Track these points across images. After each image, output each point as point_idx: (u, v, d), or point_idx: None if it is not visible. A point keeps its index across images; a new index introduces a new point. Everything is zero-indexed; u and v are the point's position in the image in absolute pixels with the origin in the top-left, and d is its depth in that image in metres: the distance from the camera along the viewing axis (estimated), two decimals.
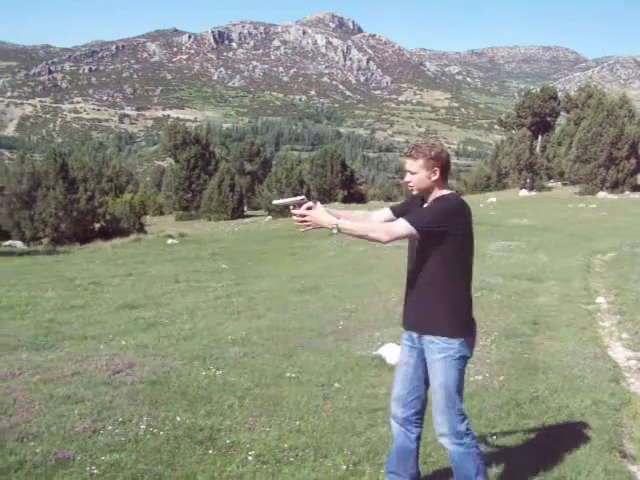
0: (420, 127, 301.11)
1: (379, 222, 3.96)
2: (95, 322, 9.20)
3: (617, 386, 6.45)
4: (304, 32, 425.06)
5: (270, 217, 50.21)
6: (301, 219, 3.63)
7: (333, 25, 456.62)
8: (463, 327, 3.82)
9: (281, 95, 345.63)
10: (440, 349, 3.77)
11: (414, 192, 3.89)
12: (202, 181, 63.85)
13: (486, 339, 8.03)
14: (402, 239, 3.72)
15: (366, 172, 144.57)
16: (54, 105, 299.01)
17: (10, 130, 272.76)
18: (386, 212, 4.05)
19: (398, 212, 3.99)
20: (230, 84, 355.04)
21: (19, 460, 4.49)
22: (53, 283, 13.46)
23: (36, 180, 36.38)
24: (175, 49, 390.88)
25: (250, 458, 4.63)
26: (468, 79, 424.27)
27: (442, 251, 3.73)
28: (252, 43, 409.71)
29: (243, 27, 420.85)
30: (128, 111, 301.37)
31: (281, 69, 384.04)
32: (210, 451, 4.74)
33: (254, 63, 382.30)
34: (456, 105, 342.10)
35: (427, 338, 3.83)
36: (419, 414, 4.02)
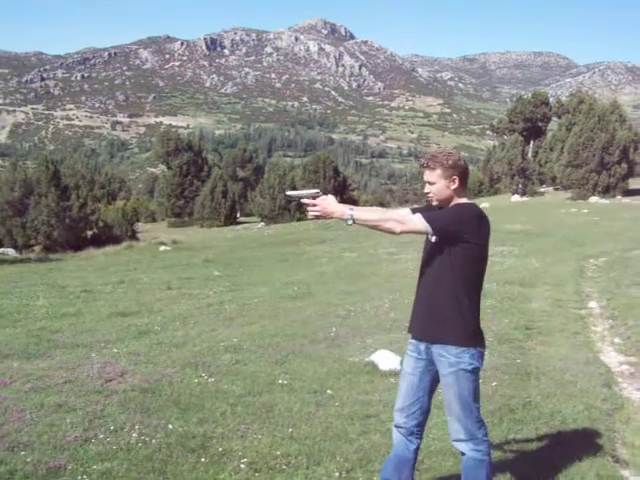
0: (412, 133, 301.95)
1: (394, 212, 3.92)
2: (87, 330, 9.16)
3: (609, 391, 6.45)
4: (296, 38, 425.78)
5: (263, 223, 50.28)
6: (312, 208, 3.63)
7: (325, 31, 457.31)
8: (473, 337, 3.79)
9: (273, 101, 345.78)
10: (451, 363, 3.74)
11: (434, 203, 3.84)
12: (195, 188, 63.94)
13: None
14: (415, 234, 3.72)
15: (359, 178, 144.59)
16: (46, 112, 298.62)
17: (2, 137, 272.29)
18: (406, 212, 3.97)
19: (419, 211, 3.93)
20: (222, 91, 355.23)
21: (9, 470, 4.45)
22: (45, 291, 13.41)
23: (28, 187, 36.33)
24: (167, 56, 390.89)
25: (243, 466, 4.61)
26: (460, 85, 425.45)
27: (456, 258, 3.71)
28: (244, 50, 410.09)
29: (235, 34, 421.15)
30: (120, 118, 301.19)
31: (273, 75, 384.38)
32: (202, 459, 4.72)
33: (246, 70, 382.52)
34: (448, 111, 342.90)
35: (436, 351, 3.80)
36: (420, 426, 3.99)
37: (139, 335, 8.81)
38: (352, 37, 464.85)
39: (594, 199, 43.57)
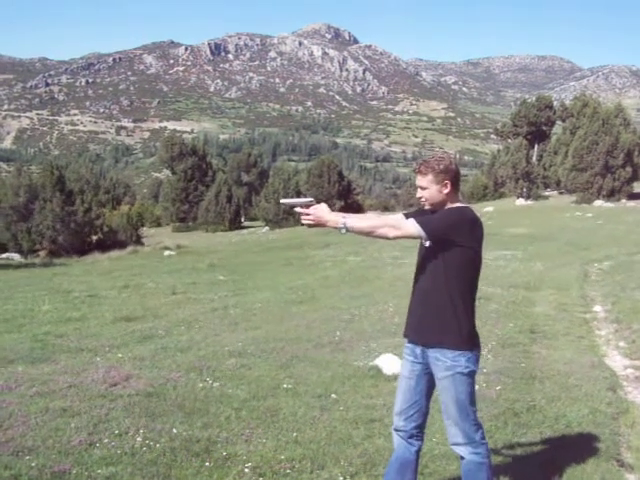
0: (417, 137, 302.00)
1: (387, 218, 3.93)
2: (91, 335, 9.17)
3: (614, 395, 6.44)
4: (300, 43, 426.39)
5: (267, 228, 50.32)
6: (305, 218, 3.64)
7: (329, 36, 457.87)
8: (469, 340, 3.79)
9: (278, 106, 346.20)
10: (447, 367, 3.74)
11: (427, 207, 3.86)
12: (199, 192, 64.02)
13: (483, 349, 7.92)
14: (408, 239, 3.73)
15: (363, 182, 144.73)
16: (51, 118, 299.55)
17: (7, 143, 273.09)
18: (399, 217, 3.96)
19: (412, 216, 3.95)
20: (227, 95, 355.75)
21: (14, 474, 4.45)
22: (50, 296, 13.43)
23: (33, 193, 36.42)
24: (172, 61, 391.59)
25: (247, 470, 4.61)
26: (464, 89, 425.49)
27: (450, 262, 3.72)
28: (248, 54, 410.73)
29: (239, 39, 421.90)
30: (125, 123, 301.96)
31: (277, 80, 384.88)
32: (207, 463, 4.72)
33: (250, 74, 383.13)
34: (452, 115, 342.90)
35: (432, 355, 3.80)
36: (420, 428, 4.00)
37: (144, 339, 8.82)
38: (356, 41, 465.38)
39: (599, 203, 43.55)
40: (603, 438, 5.28)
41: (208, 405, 5.96)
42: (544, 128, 66.27)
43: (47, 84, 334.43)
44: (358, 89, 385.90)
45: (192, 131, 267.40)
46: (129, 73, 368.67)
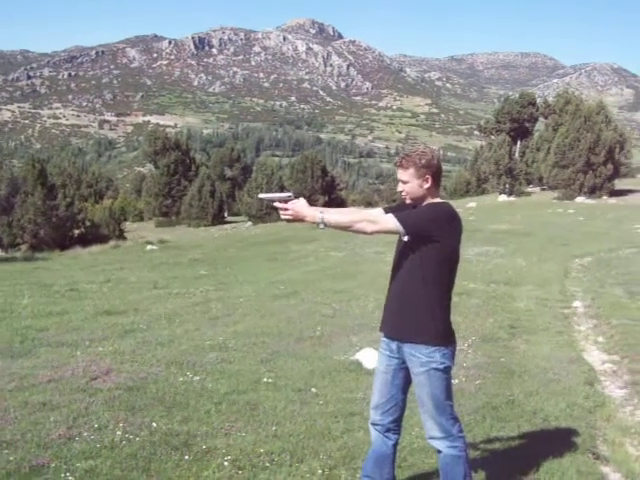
0: (400, 133, 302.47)
1: (366, 212, 3.92)
2: (72, 329, 9.13)
3: (592, 389, 6.51)
4: (284, 38, 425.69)
5: (250, 223, 50.25)
6: (284, 212, 3.64)
7: (313, 31, 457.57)
8: (444, 335, 3.79)
9: (261, 101, 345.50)
10: (422, 363, 3.75)
11: (407, 201, 3.85)
12: (182, 187, 63.80)
13: (463, 344, 8.07)
14: (386, 234, 3.73)
15: (347, 178, 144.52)
16: (33, 111, 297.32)
17: None
18: (378, 211, 3.96)
19: (391, 211, 3.93)
20: (210, 90, 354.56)
21: None
22: (30, 290, 13.34)
23: (14, 186, 36.20)
24: (155, 55, 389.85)
25: (226, 463, 4.62)
26: (448, 85, 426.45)
27: (427, 257, 3.71)
28: (232, 49, 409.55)
29: (223, 33, 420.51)
30: (108, 117, 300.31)
31: (261, 75, 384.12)
32: (186, 457, 4.73)
33: (234, 69, 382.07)
34: (436, 111, 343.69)
35: (407, 350, 3.81)
36: (397, 421, 4.01)
37: (125, 334, 8.79)
38: (340, 37, 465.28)
39: (580, 199, 43.87)
40: (580, 431, 5.35)
41: (188, 399, 5.97)
42: (527, 125, 66.60)
43: (29, 77, 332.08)
44: (342, 84, 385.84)
45: (176, 125, 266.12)
46: (112, 67, 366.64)
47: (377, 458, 4.01)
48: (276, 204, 3.68)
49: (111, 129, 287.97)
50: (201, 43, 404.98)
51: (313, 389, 6.31)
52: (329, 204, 55.18)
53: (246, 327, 9.20)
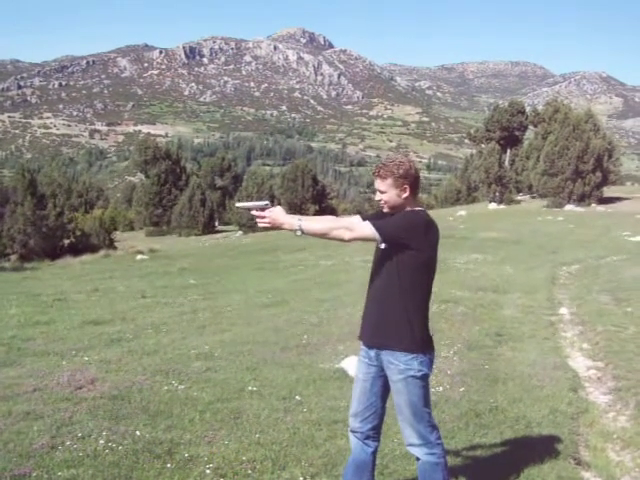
0: (391, 142, 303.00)
1: (343, 219, 3.93)
2: (58, 338, 9.12)
3: (575, 395, 6.54)
4: (275, 47, 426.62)
5: (241, 232, 50.22)
6: (261, 220, 3.66)
7: (304, 40, 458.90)
8: (421, 343, 3.81)
9: (252, 110, 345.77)
10: (400, 370, 3.77)
11: (386, 210, 3.86)
12: (173, 196, 63.73)
13: (449, 351, 8.10)
14: (364, 241, 3.76)
15: (338, 186, 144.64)
16: (23, 120, 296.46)
17: None
18: (357, 219, 3.97)
19: (368, 219, 3.94)
20: (201, 99, 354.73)
21: None
22: (18, 299, 13.33)
23: (4, 196, 36.09)
24: (146, 64, 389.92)
25: (208, 471, 4.64)
26: (438, 94, 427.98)
27: (403, 265, 3.73)
28: (223, 58, 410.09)
29: (214, 42, 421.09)
30: (99, 126, 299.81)
31: (252, 84, 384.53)
32: (168, 465, 4.74)
33: (225, 78, 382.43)
34: (427, 120, 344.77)
35: (385, 358, 3.83)
36: (376, 429, 4.03)
37: (111, 343, 8.79)
38: (331, 46, 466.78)
39: (569, 207, 44.02)
40: (562, 437, 5.38)
41: (172, 408, 5.97)
42: (516, 133, 66.78)
43: (19, 86, 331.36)
44: (333, 93, 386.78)
45: (167, 135, 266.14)
46: (103, 76, 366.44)
47: (357, 465, 4.02)
48: (253, 212, 3.70)
49: (102, 139, 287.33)
50: (192, 53, 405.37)
51: (297, 397, 6.32)
52: (320, 213, 55.18)
53: (233, 336, 9.21)
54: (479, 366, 7.52)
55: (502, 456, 5.03)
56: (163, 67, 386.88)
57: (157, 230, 61.48)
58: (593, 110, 54.75)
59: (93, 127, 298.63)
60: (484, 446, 5.20)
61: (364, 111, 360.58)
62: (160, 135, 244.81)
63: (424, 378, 3.82)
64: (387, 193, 3.80)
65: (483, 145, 65.22)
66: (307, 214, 54.42)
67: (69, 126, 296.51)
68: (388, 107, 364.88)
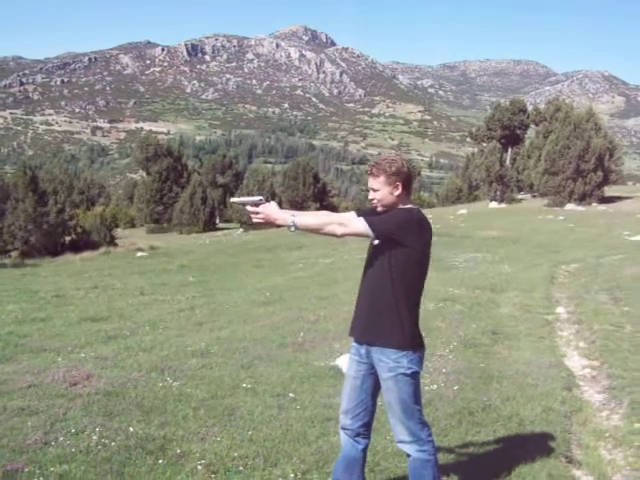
0: (393, 140, 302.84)
1: (337, 215, 3.95)
2: (55, 335, 9.15)
3: (569, 394, 6.55)
4: (277, 45, 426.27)
5: (242, 230, 50.22)
6: (255, 215, 3.68)
7: (306, 38, 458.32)
8: (412, 341, 3.81)
9: (254, 108, 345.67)
10: (390, 368, 3.77)
11: (379, 209, 3.87)
12: (174, 194, 63.72)
13: (444, 349, 8.12)
14: (357, 237, 3.79)
15: (339, 184, 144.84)
16: (25, 117, 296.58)
17: None
18: (351, 215, 3.98)
19: (363, 215, 3.94)
20: (203, 97, 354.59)
21: None
22: (16, 296, 13.36)
23: (5, 193, 36.11)
24: (148, 61, 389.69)
25: (200, 467, 4.65)
26: (440, 92, 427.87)
27: (396, 262, 3.74)
28: (225, 56, 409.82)
29: (216, 40, 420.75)
30: (100, 123, 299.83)
31: (254, 82, 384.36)
32: (160, 461, 4.75)
33: (227, 76, 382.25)
34: (428, 118, 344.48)
35: (375, 355, 3.84)
36: (367, 426, 4.04)
37: (108, 340, 8.81)
38: (333, 44, 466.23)
39: (570, 206, 43.98)
40: (554, 436, 5.39)
41: (166, 404, 5.99)
42: (518, 132, 66.65)
43: (21, 83, 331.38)
44: (335, 91, 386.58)
45: (168, 132, 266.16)
46: (105, 73, 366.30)
47: (347, 462, 4.03)
48: (247, 207, 3.71)
49: (104, 136, 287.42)
50: (194, 50, 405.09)
51: (291, 394, 6.34)
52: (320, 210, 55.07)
53: (229, 333, 9.23)
54: (474, 364, 7.53)
55: (494, 454, 5.04)
56: (165, 64, 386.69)
57: (158, 227, 61.51)
58: (595, 109, 54.66)
59: (95, 124, 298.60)
60: (476, 444, 5.21)
61: (366, 109, 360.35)
62: (162, 132, 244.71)
63: (414, 376, 3.83)
64: (380, 191, 3.82)
65: (484, 144, 65.08)
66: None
67: (71, 123, 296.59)
68: (390, 105, 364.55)
